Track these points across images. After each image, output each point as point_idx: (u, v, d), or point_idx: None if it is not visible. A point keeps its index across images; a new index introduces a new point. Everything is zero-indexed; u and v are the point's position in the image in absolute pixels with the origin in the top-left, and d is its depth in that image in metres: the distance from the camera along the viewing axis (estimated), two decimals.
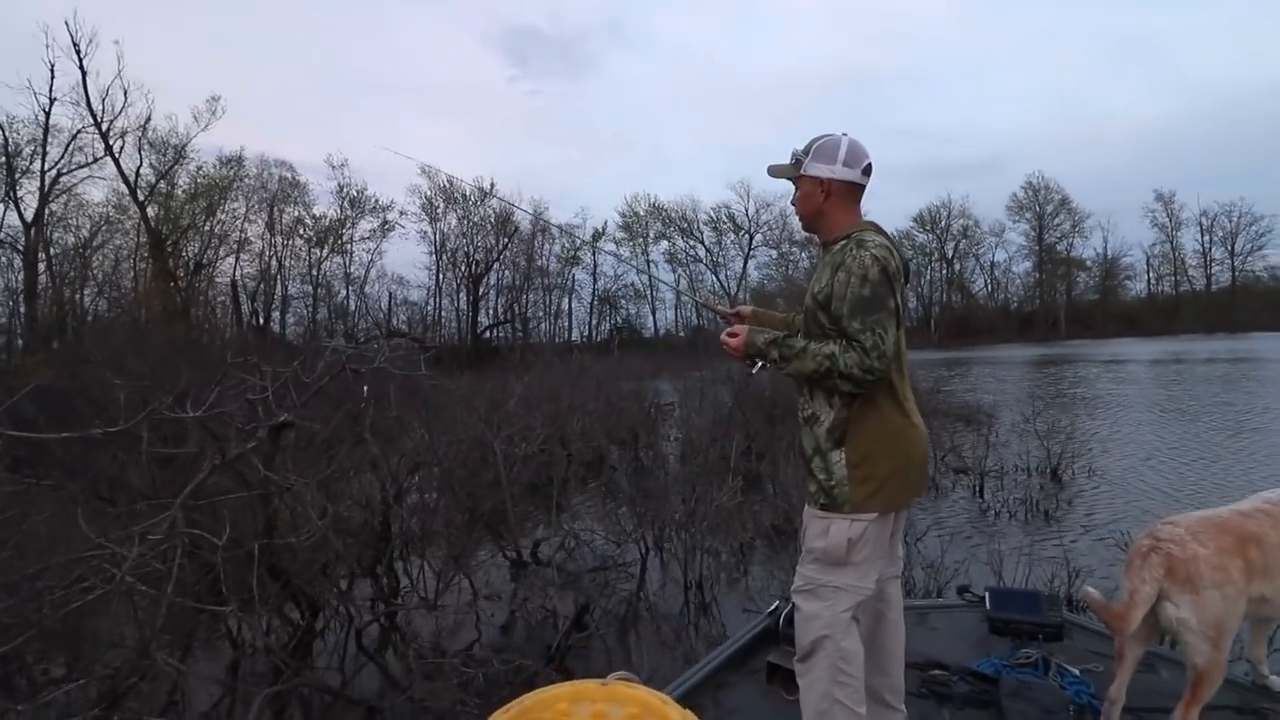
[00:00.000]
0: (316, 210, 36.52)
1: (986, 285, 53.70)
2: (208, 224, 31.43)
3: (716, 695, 2.07)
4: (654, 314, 45.72)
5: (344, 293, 37.95)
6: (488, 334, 40.45)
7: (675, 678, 2.24)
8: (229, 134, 56.88)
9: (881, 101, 71.20)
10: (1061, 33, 79.25)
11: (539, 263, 42.12)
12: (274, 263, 35.08)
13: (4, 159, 23.30)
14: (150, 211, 28.04)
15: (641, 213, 46.15)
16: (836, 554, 1.52)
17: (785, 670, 1.98)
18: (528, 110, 67.45)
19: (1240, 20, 68.87)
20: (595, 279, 43.99)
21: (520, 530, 4.91)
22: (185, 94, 52.32)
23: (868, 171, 1.64)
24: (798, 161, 1.66)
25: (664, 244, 46.85)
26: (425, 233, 39.71)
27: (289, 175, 34.87)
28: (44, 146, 24.19)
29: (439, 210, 39.20)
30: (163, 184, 28.89)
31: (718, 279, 46.97)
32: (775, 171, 1.72)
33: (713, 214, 46.48)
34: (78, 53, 23.54)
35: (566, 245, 41.78)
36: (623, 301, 45.40)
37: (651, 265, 45.66)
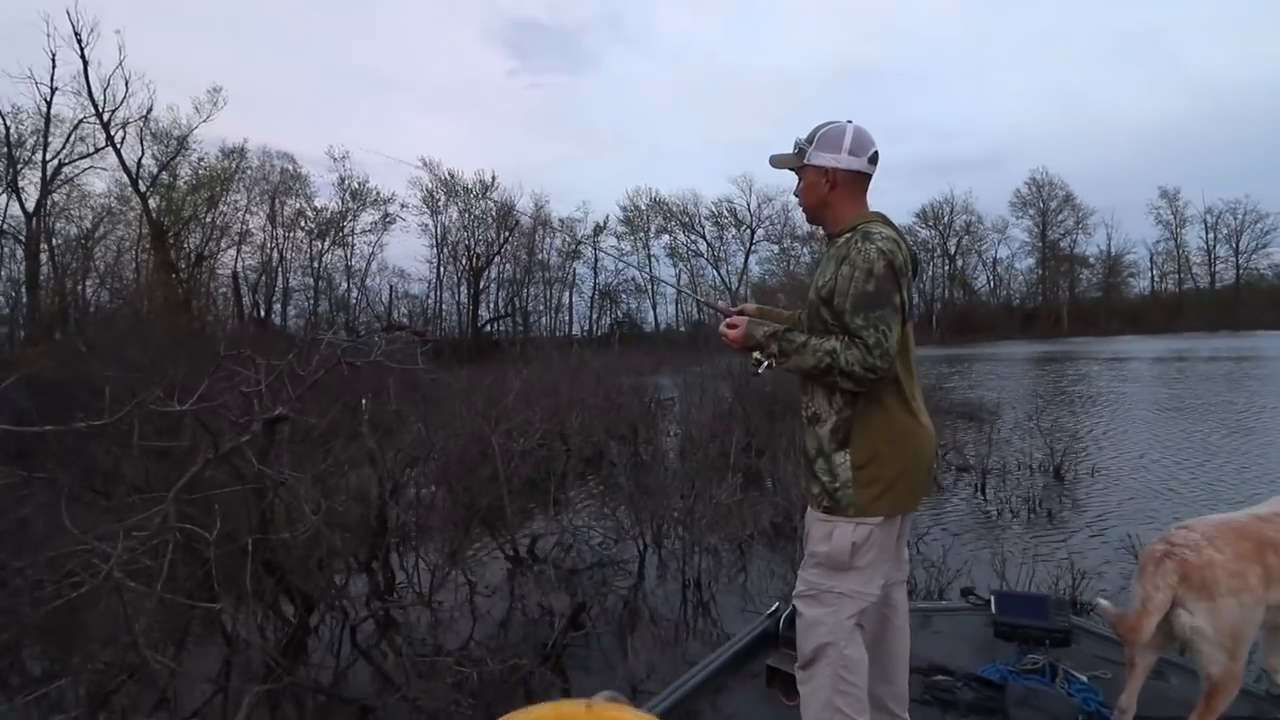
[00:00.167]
0: (318, 202, 36.46)
1: (989, 282, 53.55)
2: (209, 215, 31.37)
3: (714, 700, 2.02)
4: (654, 308, 45.66)
5: (345, 285, 37.94)
6: (488, 328, 40.39)
7: (672, 679, 2.20)
8: (230, 125, 56.67)
9: (882, 97, 70.75)
10: (1064, 28, 78.80)
11: (540, 256, 42.03)
12: (275, 255, 35.06)
13: (6, 149, 23.22)
14: (152, 203, 27.98)
15: (643, 207, 46.01)
16: (840, 559, 1.46)
17: (785, 674, 1.93)
18: (528, 104, 67.15)
19: (1244, 17, 68.36)
20: (596, 273, 43.90)
21: (518, 526, 4.87)
22: (187, 85, 52.05)
23: (874, 160, 1.57)
24: (801, 150, 1.59)
25: (665, 238, 46.74)
26: (426, 226, 39.63)
27: (290, 167, 34.81)
28: (45, 136, 24.11)
29: (440, 203, 39.09)
30: (164, 175, 28.81)
31: (719, 274, 46.83)
32: (777, 161, 1.65)
33: (714, 208, 46.34)
34: (79, 42, 23.41)
35: (568, 239, 41.69)
36: (623, 296, 45.32)
37: (652, 260, 45.52)
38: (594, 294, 44.54)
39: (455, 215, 39.64)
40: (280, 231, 35.20)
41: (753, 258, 46.56)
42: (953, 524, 5.03)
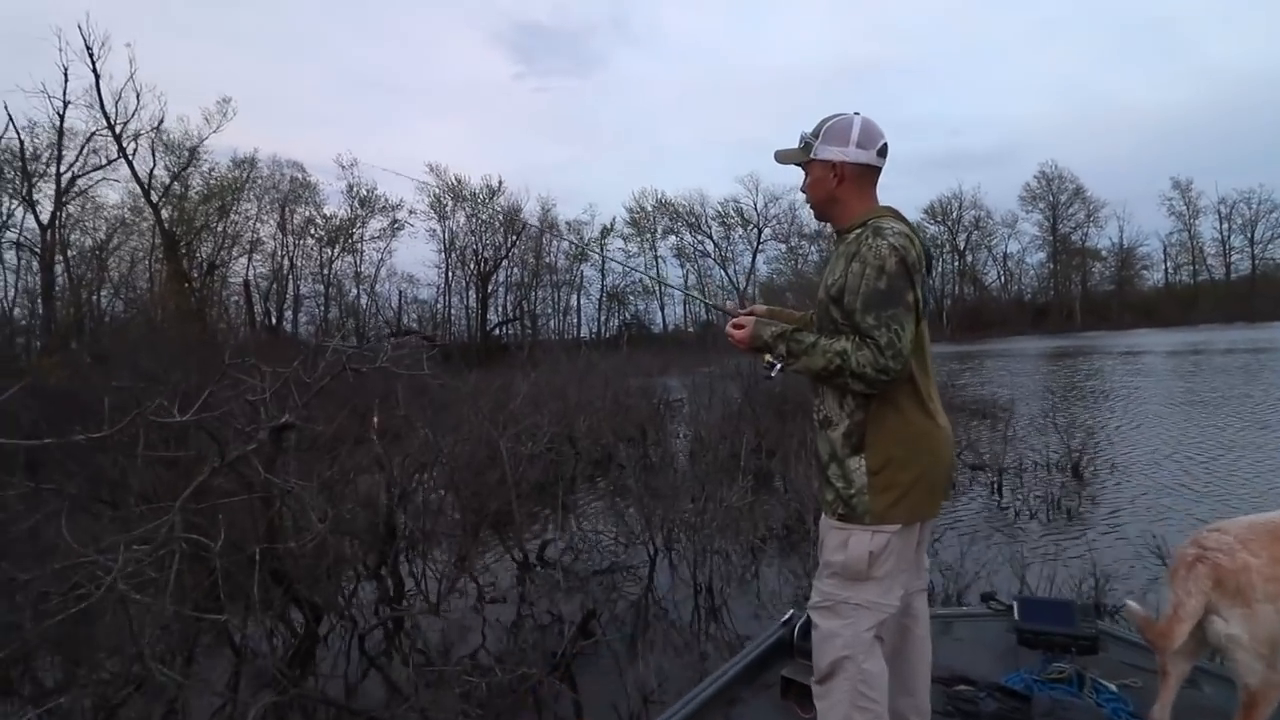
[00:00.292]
0: (327, 210, 36.75)
1: (999, 277, 53.06)
2: (220, 225, 31.69)
3: (728, 712, 1.96)
4: (662, 310, 45.62)
5: (355, 291, 38.20)
6: (497, 331, 40.51)
7: (684, 688, 2.14)
8: (239, 135, 57.26)
9: (889, 93, 70.25)
10: (1070, 18, 77.92)
11: (547, 259, 42.09)
12: (286, 263, 35.36)
13: (20, 163, 23.56)
14: (164, 213, 28.31)
15: (649, 208, 45.99)
16: (857, 568, 1.40)
17: (800, 685, 1.87)
18: (534, 107, 67.39)
19: (1256, 4, 67.25)
20: (604, 275, 43.92)
21: (527, 531, 4.83)
22: (197, 95, 52.72)
23: (883, 152, 1.51)
24: (807, 145, 1.53)
25: (671, 239, 46.69)
26: (434, 231, 39.85)
27: (300, 176, 35.09)
28: (59, 150, 24.46)
29: (447, 208, 39.27)
30: (176, 185, 29.13)
31: (726, 274, 46.73)
32: (783, 157, 1.59)
33: (721, 208, 46.24)
34: (91, 56, 23.73)
35: (575, 242, 41.75)
36: (631, 297, 45.31)
37: (659, 261, 45.46)
38: (602, 296, 44.61)
39: (463, 220, 39.83)
40: (290, 239, 35.53)
41: (760, 257, 46.45)
42: (969, 525, 4.94)
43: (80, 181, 25.48)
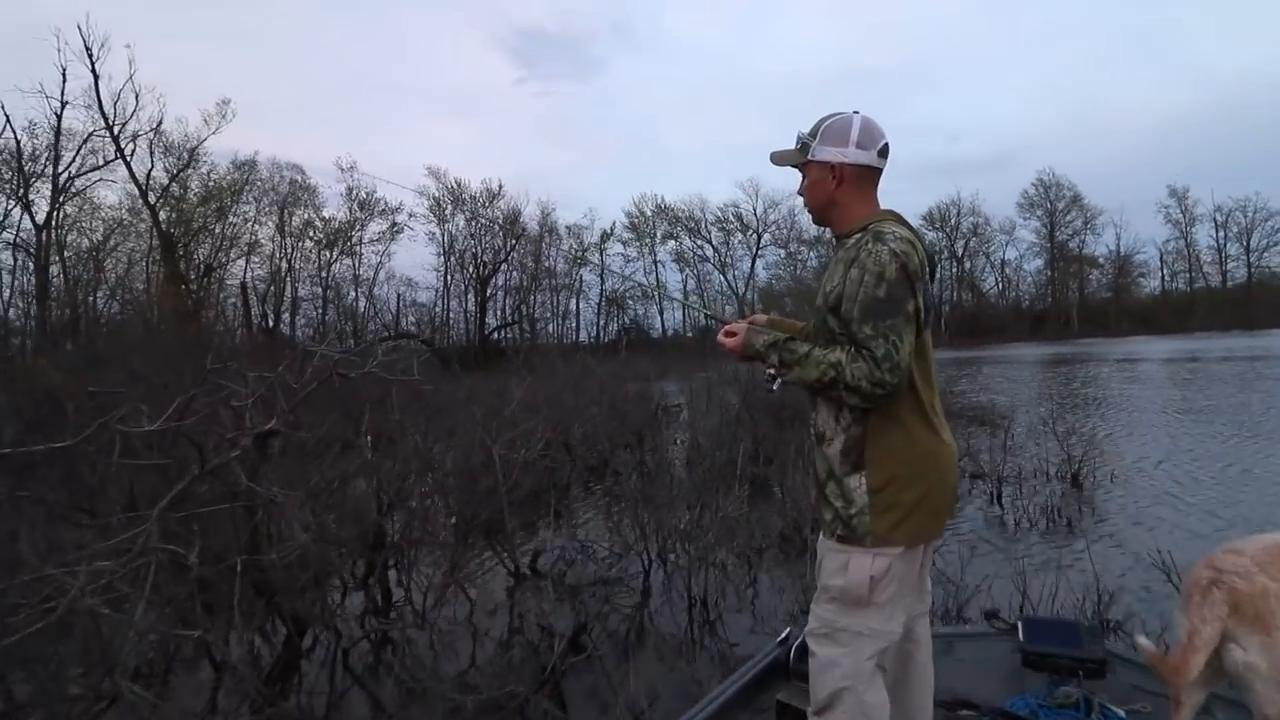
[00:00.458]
0: (326, 212, 36.70)
1: (997, 283, 53.19)
2: (218, 226, 31.60)
3: None
4: (661, 315, 45.58)
5: (353, 294, 38.11)
6: (496, 335, 40.42)
7: (676, 708, 2.06)
8: (239, 137, 57.24)
9: (887, 99, 70.48)
10: (1069, 27, 78.58)
11: (546, 263, 42.08)
12: (284, 265, 35.26)
13: (17, 163, 23.47)
14: (162, 214, 28.22)
15: (648, 213, 46.01)
16: (857, 593, 1.32)
17: (796, 710, 1.79)
18: (536, 111, 67.60)
19: (1254, 13, 67.72)
20: (603, 279, 43.89)
21: (520, 539, 4.74)
22: (196, 96, 52.68)
23: (884, 153, 1.43)
24: (804, 145, 1.44)
25: (670, 244, 46.69)
26: (434, 234, 39.80)
27: (299, 178, 35.06)
28: (56, 150, 24.37)
29: (447, 212, 39.24)
30: (174, 187, 29.06)
31: (726, 279, 46.74)
32: (779, 158, 1.50)
33: (720, 213, 46.29)
34: (90, 56, 23.70)
35: (574, 246, 41.72)
36: (630, 302, 45.26)
37: (658, 266, 45.45)
38: (601, 300, 44.54)
39: (462, 224, 39.80)
40: (289, 241, 35.44)
41: (759, 262, 46.48)
42: (969, 535, 4.86)
43: (78, 182, 25.41)
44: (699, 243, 46.61)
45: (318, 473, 3.94)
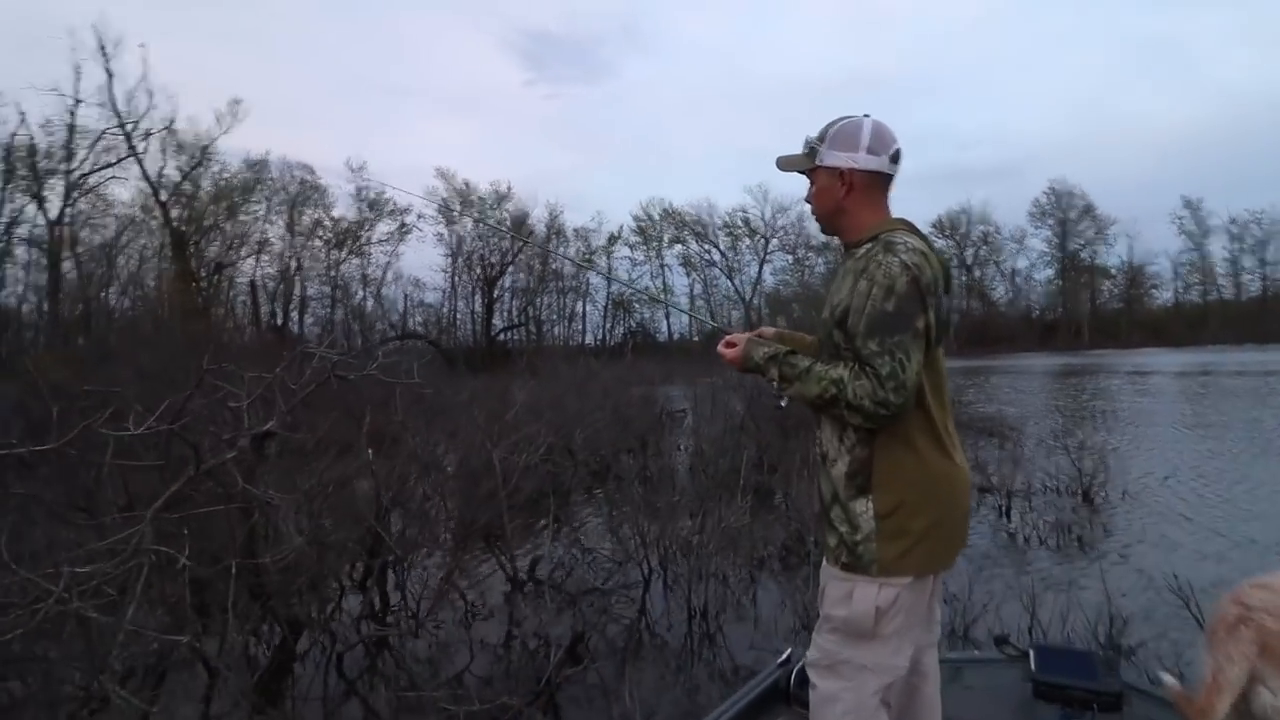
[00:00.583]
0: (335, 212, 36.94)
1: (1007, 293, 52.82)
2: (229, 225, 31.85)
3: None
4: (668, 318, 45.53)
5: (361, 294, 38.30)
6: (502, 336, 40.49)
7: None
8: (250, 136, 57.73)
9: (897, 105, 70.16)
10: (1083, 35, 78.19)
11: (553, 265, 42.15)
12: (293, 264, 35.48)
13: (31, 159, 23.74)
14: (173, 212, 28.48)
15: (656, 217, 46.01)
16: (862, 625, 1.25)
17: None
18: (545, 113, 67.84)
19: (1269, 23, 67.08)
20: (609, 282, 43.95)
21: (519, 544, 4.68)
22: (209, 95, 53.20)
23: (896, 158, 1.36)
24: (812, 150, 1.38)
25: (678, 248, 46.65)
26: (442, 235, 39.95)
27: (309, 178, 35.32)
28: (69, 147, 24.64)
29: (455, 214, 39.37)
30: (186, 185, 29.30)
31: (733, 284, 46.64)
32: (786, 163, 1.43)
33: (728, 218, 46.20)
34: (104, 55, 23.97)
35: (581, 249, 41.78)
36: (637, 305, 45.24)
37: (665, 270, 45.40)
38: (607, 303, 44.57)
39: (470, 225, 39.94)
40: (298, 241, 35.67)
41: (767, 268, 46.34)
42: (977, 551, 4.75)
43: (91, 179, 25.67)
44: (706, 247, 46.61)
45: (315, 475, 3.90)
